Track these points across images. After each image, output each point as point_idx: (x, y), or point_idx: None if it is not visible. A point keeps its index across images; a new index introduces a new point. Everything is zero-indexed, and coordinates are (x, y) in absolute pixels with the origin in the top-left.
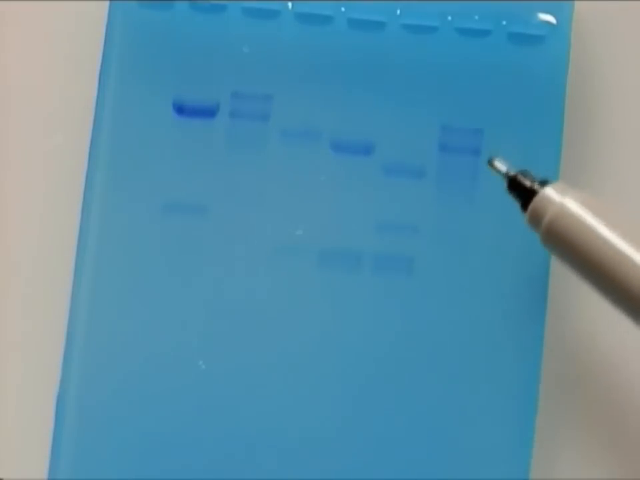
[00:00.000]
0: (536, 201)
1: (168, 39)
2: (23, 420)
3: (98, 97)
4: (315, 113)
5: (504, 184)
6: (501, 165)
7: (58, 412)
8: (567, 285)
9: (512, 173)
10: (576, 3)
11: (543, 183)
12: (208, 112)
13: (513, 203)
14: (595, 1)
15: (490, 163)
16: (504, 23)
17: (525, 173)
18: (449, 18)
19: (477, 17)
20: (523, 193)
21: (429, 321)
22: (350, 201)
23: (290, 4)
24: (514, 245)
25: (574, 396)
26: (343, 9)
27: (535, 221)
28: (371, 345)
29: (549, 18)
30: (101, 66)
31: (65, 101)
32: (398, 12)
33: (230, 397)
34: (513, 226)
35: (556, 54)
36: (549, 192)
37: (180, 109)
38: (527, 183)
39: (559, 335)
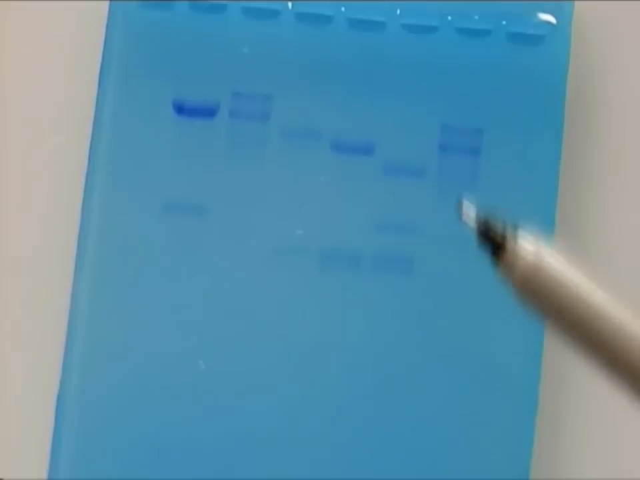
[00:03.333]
0: (518, 241)
1: (168, 39)
2: (23, 420)
3: (98, 96)
4: (315, 112)
5: (471, 228)
6: (470, 209)
7: (58, 412)
8: None
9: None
10: (576, 3)
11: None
12: (208, 112)
13: (513, 203)
14: (595, 1)
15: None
16: (504, 22)
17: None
18: (449, 18)
19: (476, 17)
20: (494, 236)
21: (429, 320)
22: (350, 200)
23: (290, 4)
24: None
25: (574, 396)
26: (342, 9)
27: (516, 260)
28: (371, 345)
29: (549, 18)
30: (101, 66)
31: (65, 101)
32: (398, 12)
33: (230, 397)
34: None
35: (556, 54)
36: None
37: (180, 109)
38: (500, 226)
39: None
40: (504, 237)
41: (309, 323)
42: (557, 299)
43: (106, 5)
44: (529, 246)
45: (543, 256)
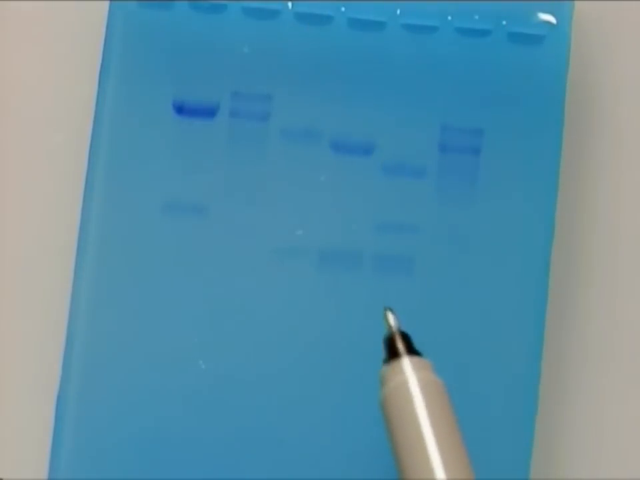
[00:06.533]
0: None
1: (168, 39)
2: (23, 420)
3: (98, 96)
4: (315, 112)
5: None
6: (392, 319)
7: (58, 412)
8: (567, 285)
9: (396, 329)
10: (576, 2)
11: (415, 352)
12: (208, 112)
13: (513, 203)
14: (595, 1)
15: (385, 311)
16: (504, 23)
17: (405, 336)
18: (449, 18)
19: (477, 17)
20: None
21: (428, 320)
22: (350, 200)
23: (290, 4)
24: (514, 244)
25: (574, 396)
26: (343, 9)
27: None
28: (371, 345)
29: (549, 18)
30: (101, 66)
31: (65, 100)
32: (398, 12)
33: (230, 397)
34: (513, 226)
35: (556, 54)
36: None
37: (180, 109)
38: (399, 346)
39: (559, 335)
40: (396, 352)
41: (309, 322)
42: (395, 429)
43: (106, 5)
44: (404, 371)
45: (405, 387)
